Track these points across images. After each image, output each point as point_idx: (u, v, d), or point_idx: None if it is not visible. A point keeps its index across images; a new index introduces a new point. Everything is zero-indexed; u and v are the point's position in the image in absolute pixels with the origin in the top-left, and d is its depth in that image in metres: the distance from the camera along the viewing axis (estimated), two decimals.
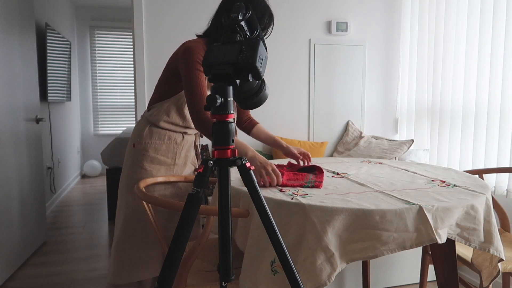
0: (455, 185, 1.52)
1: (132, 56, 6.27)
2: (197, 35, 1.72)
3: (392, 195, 1.36)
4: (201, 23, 2.85)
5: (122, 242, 1.68)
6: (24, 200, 2.86)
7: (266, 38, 1.64)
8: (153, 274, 1.69)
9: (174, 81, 1.66)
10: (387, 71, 3.25)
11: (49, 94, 4.11)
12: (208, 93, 1.70)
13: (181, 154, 1.77)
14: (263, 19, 1.62)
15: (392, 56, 3.25)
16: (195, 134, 1.84)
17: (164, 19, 2.81)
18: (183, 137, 1.75)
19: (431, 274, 2.35)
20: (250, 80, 1.01)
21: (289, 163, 1.90)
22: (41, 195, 3.19)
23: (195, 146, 1.87)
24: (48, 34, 4.11)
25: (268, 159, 2.97)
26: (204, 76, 1.55)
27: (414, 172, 1.79)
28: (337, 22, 3.07)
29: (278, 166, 1.82)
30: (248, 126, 1.99)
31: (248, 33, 1.11)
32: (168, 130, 1.71)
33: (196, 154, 1.90)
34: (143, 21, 2.77)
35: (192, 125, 1.77)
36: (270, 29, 1.68)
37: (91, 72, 6.16)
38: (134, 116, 5.85)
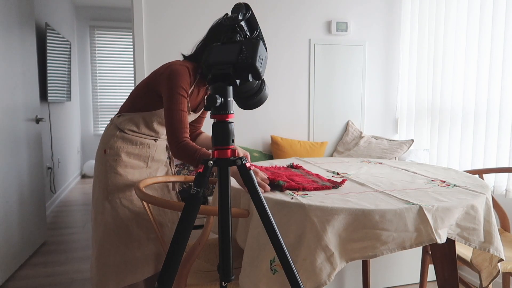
0: (455, 185, 1.52)
1: (132, 56, 6.27)
2: (183, 55, 1.70)
3: (392, 195, 1.36)
4: (200, 23, 2.85)
5: (106, 249, 1.64)
6: (24, 200, 2.86)
7: None
8: (141, 277, 1.67)
9: (150, 98, 1.63)
10: (387, 71, 3.26)
11: (49, 94, 4.11)
12: (189, 118, 1.68)
13: (154, 157, 1.75)
14: None
15: (392, 56, 3.25)
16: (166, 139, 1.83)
17: (164, 19, 2.81)
18: (155, 140, 1.74)
19: (431, 274, 2.35)
20: (250, 80, 1.01)
21: (276, 166, 1.89)
22: (41, 195, 3.19)
23: (167, 148, 1.85)
24: (48, 34, 4.11)
25: (268, 159, 2.98)
26: (186, 101, 1.54)
27: (414, 172, 1.79)
28: (337, 22, 3.08)
29: (260, 168, 1.82)
30: (194, 135, 1.94)
31: (248, 33, 1.11)
32: (138, 137, 1.70)
33: (170, 157, 1.88)
34: (143, 21, 2.77)
35: (162, 136, 1.76)
36: None
37: (91, 72, 6.17)
38: None
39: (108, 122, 1.77)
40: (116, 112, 1.74)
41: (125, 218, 1.66)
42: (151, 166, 1.75)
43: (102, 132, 6.92)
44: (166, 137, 1.82)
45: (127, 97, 7.16)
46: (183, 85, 1.53)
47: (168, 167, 1.88)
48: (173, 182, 1.88)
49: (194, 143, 1.49)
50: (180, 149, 1.46)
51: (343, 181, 1.54)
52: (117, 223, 1.65)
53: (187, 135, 1.50)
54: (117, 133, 1.67)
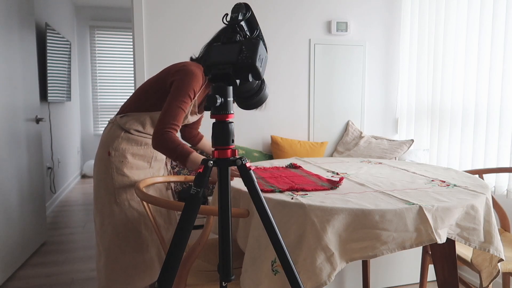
0: (455, 185, 1.52)
1: (132, 56, 6.27)
2: (191, 58, 1.69)
3: (392, 195, 1.36)
4: (200, 23, 2.85)
5: (115, 253, 1.63)
6: (24, 200, 2.86)
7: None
8: (149, 281, 1.66)
9: (161, 97, 1.61)
10: (387, 71, 3.25)
11: (49, 94, 4.11)
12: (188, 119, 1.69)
13: (157, 157, 1.75)
14: None
15: (392, 56, 3.25)
16: None
17: (164, 19, 2.81)
18: None
19: (431, 274, 2.35)
20: (250, 80, 1.01)
21: (276, 167, 1.90)
22: (41, 195, 3.19)
23: None
24: (48, 34, 4.11)
25: (268, 159, 2.98)
26: (190, 104, 1.55)
27: (414, 172, 1.79)
28: (337, 22, 3.07)
29: (259, 168, 1.84)
30: (195, 139, 1.96)
31: (248, 33, 1.11)
32: (143, 137, 1.69)
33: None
34: (143, 21, 2.77)
35: None
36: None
37: (91, 72, 6.16)
38: None
39: (107, 123, 1.76)
40: (116, 113, 1.73)
41: (134, 220, 1.64)
42: (154, 166, 1.75)
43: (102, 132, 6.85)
44: None
45: (127, 97, 7.12)
46: (195, 87, 1.53)
47: (165, 167, 1.88)
48: (168, 182, 1.87)
49: (178, 138, 1.47)
50: (163, 140, 1.44)
51: (341, 179, 1.55)
52: (127, 226, 1.64)
53: (175, 131, 1.49)
54: (122, 134, 1.65)
